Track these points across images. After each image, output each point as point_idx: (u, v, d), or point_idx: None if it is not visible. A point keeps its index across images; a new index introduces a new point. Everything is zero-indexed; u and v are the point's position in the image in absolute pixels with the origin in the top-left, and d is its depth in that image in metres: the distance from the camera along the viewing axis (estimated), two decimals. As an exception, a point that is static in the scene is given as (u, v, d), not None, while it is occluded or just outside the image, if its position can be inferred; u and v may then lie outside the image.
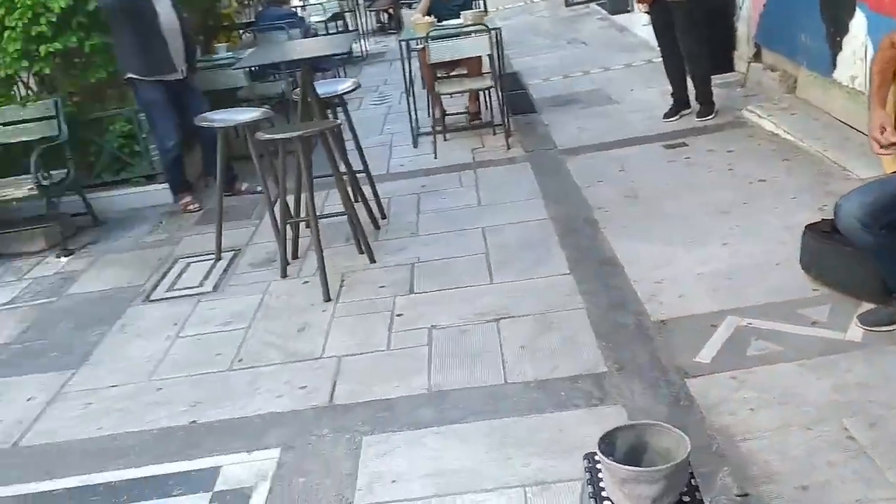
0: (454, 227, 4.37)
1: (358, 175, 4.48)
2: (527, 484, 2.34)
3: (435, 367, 3.04)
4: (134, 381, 3.23)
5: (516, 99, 6.69)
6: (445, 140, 6.02)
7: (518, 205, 4.53)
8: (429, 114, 6.37)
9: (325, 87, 4.39)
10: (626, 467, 1.73)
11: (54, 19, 4.73)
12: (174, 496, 2.51)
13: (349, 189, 4.20)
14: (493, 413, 2.72)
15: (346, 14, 11.43)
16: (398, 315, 3.49)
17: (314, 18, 9.11)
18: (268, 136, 3.68)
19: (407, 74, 5.96)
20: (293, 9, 8.06)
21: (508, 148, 5.57)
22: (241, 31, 8.10)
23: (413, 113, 6.03)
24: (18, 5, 4.66)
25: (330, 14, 9.70)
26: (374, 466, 2.53)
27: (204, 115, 4.25)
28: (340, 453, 2.62)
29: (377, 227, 4.48)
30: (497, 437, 2.57)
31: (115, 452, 2.78)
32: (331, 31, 9.80)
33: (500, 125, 5.85)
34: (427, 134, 5.97)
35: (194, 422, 2.90)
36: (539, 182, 4.86)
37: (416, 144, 6.04)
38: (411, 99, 6.01)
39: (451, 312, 3.42)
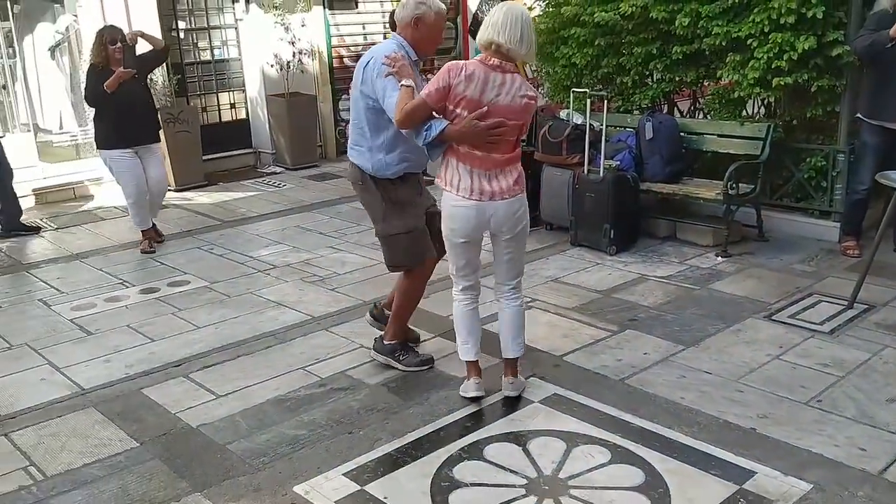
0: None
1: None
2: None
3: None
4: (723, 376, 3.78)
5: None
6: None
7: None
8: None
9: None
10: None
11: (795, 57, 5.32)
12: (708, 473, 3.01)
13: None
14: None
15: None
16: None
17: None
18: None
19: None
20: None
21: None
22: None
23: None
24: (770, 41, 5.37)
25: None
26: (890, 548, 2.59)
27: (887, 173, 4.35)
28: (865, 520, 2.73)
29: None
30: None
31: (685, 419, 3.40)
32: None
33: None
34: None
35: (754, 429, 3.31)
36: None
37: None
38: None
39: None
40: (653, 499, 2.88)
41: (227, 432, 3.44)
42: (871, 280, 4.62)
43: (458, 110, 3.22)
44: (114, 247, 6.37)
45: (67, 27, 8.22)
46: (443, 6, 3.67)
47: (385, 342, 3.99)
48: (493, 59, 3.21)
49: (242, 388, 3.84)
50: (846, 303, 4.51)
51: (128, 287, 5.39)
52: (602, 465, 3.10)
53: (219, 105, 9.34)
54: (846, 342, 4.09)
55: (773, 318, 4.42)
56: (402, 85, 3.33)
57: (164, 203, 6.88)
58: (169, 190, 7.82)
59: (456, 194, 3.35)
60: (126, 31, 6.15)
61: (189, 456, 3.27)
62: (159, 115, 6.49)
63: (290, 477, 3.09)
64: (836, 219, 5.66)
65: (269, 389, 3.82)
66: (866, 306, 4.49)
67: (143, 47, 6.14)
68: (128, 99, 5.82)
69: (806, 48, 5.23)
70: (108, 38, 5.82)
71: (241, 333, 4.51)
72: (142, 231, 6.20)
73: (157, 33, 8.02)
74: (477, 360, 3.61)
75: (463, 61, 3.27)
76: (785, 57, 5.33)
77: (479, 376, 3.61)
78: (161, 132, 6.36)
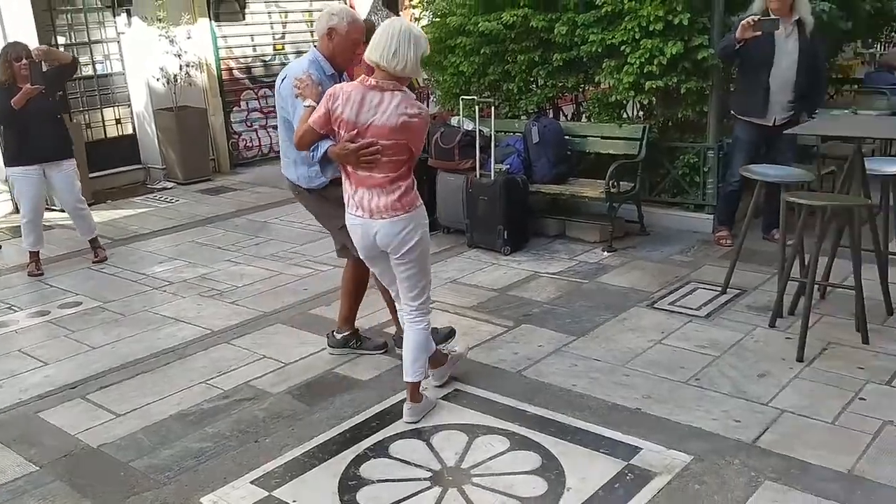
0: (980, 340, 4.07)
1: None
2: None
3: (868, 456, 3.12)
4: (611, 362, 4.02)
5: None
6: None
7: None
8: None
9: (879, 164, 4.46)
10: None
11: (665, 62, 5.68)
12: (598, 452, 3.22)
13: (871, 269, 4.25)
14: (899, 517, 2.76)
15: None
16: (861, 399, 3.56)
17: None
18: (790, 199, 4.03)
19: None
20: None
21: None
22: (852, 87, 8.18)
23: None
24: (641, 48, 5.72)
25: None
26: (761, 506, 2.86)
27: (748, 166, 4.74)
28: (739, 483, 2.99)
29: (891, 313, 4.41)
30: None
31: (577, 405, 3.61)
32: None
33: None
34: None
35: (639, 409, 3.56)
36: None
37: None
38: None
39: (917, 417, 3.38)
40: (549, 480, 3.06)
41: (129, 450, 3.41)
42: (742, 266, 5.00)
43: (341, 132, 3.27)
44: (-3, 271, 6.14)
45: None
46: (358, 16, 3.73)
47: (337, 335, 4.17)
48: (370, 79, 3.24)
49: (143, 406, 3.80)
50: (720, 288, 4.87)
51: (16, 311, 5.20)
52: (502, 453, 3.26)
53: (104, 121, 9.06)
54: (721, 324, 4.42)
55: (655, 305, 4.73)
56: (304, 106, 3.40)
57: (47, 224, 6.66)
58: (53, 209, 7.57)
59: (348, 210, 3.42)
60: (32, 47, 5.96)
61: (91, 476, 3.23)
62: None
63: (197, 489, 3.10)
64: (709, 211, 6.08)
65: (171, 405, 3.80)
66: (738, 291, 4.86)
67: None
68: (36, 115, 5.66)
69: (674, 53, 5.60)
70: (13, 54, 5.66)
71: (138, 352, 4.45)
72: (30, 252, 5.99)
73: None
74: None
75: (342, 84, 3.34)
76: (655, 62, 5.68)
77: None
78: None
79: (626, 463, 3.14)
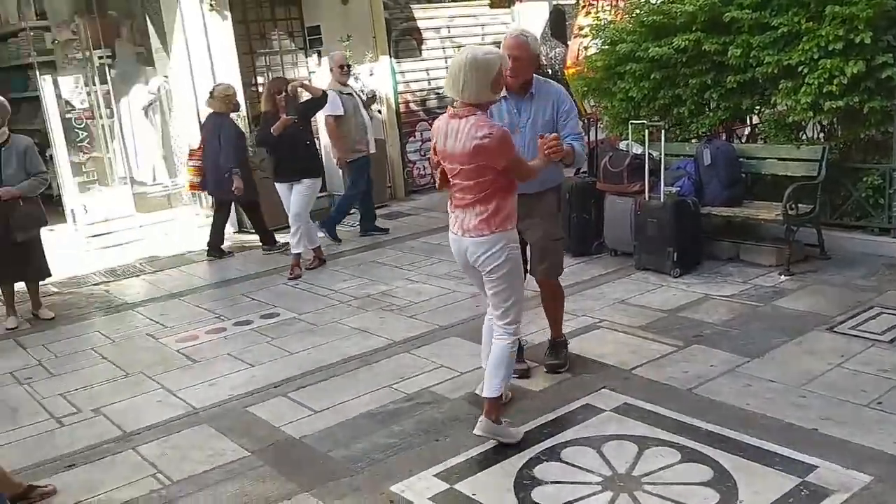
0: None
1: None
2: None
3: None
4: (787, 384, 3.98)
5: None
6: None
7: None
8: None
9: None
10: None
11: (845, 82, 5.52)
12: (772, 468, 3.24)
13: None
14: None
15: None
16: None
17: None
18: None
19: None
20: None
21: None
22: None
23: None
24: (820, 68, 5.60)
25: None
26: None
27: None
28: (924, 507, 2.91)
29: None
30: None
31: (750, 423, 3.62)
32: None
33: None
34: None
35: (816, 429, 3.52)
36: None
37: None
38: None
39: None
40: (721, 492, 3.11)
41: (326, 442, 3.81)
42: (934, 291, 4.76)
43: (442, 161, 3.59)
44: (206, 285, 6.91)
45: (159, 87, 8.96)
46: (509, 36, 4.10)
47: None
48: (451, 108, 3.49)
49: (337, 405, 4.21)
50: (913, 313, 4.67)
51: (225, 320, 5.86)
52: (672, 465, 3.35)
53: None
54: (907, 350, 4.25)
55: (835, 329, 4.60)
56: None
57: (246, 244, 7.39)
58: (248, 232, 8.36)
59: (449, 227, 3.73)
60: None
61: (295, 462, 3.65)
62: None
63: (386, 478, 3.43)
64: (894, 235, 5.78)
65: (361, 405, 4.19)
66: (934, 316, 4.63)
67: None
68: (288, 141, 6.62)
69: (855, 72, 5.43)
70: (274, 88, 6.81)
71: (330, 357, 4.91)
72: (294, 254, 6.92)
73: (241, 93, 8.66)
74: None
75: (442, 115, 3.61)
76: (835, 81, 5.53)
77: None
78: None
79: (801, 480, 3.13)
